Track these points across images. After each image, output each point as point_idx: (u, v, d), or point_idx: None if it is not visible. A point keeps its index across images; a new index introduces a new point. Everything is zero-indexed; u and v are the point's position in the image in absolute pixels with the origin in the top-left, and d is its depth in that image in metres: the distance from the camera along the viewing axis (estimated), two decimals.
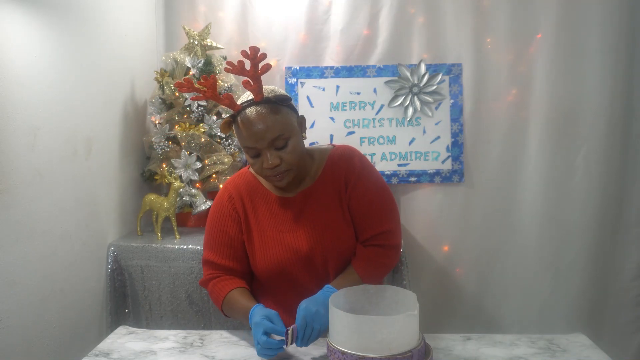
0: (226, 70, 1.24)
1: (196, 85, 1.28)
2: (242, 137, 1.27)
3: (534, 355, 1.21)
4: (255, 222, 1.38)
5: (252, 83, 1.22)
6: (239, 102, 1.28)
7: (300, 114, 1.35)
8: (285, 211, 1.37)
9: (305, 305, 1.18)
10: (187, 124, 2.07)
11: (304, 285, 1.35)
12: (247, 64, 1.20)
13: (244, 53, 1.20)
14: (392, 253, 1.39)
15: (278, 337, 1.17)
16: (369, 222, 1.36)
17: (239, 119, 1.26)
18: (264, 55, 1.20)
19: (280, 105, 1.26)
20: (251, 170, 1.44)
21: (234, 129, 1.30)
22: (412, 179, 2.25)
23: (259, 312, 1.20)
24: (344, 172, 1.37)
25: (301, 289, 1.33)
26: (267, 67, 1.22)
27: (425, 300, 2.14)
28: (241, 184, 1.42)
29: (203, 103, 2.06)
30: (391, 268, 1.42)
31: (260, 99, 1.24)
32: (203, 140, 2.06)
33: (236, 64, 1.20)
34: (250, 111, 1.24)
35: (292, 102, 1.32)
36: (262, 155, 1.26)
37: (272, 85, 2.27)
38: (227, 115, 2.10)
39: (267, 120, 1.23)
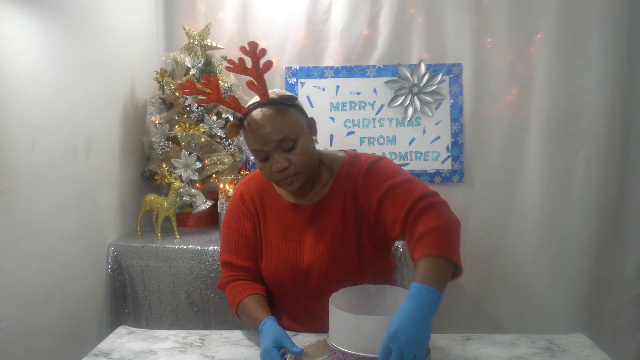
0: (227, 69, 1.22)
1: (199, 87, 1.25)
2: (249, 141, 1.23)
3: (534, 355, 1.21)
4: (264, 225, 1.35)
5: (255, 83, 1.19)
6: (246, 105, 1.25)
7: (309, 116, 1.29)
8: (295, 221, 1.33)
9: (393, 330, 0.97)
10: (187, 124, 2.08)
11: (300, 301, 1.32)
12: (248, 62, 1.17)
13: (242, 49, 1.17)
14: (441, 209, 1.19)
15: None
16: (398, 204, 1.20)
17: (245, 122, 1.23)
18: (264, 51, 1.16)
19: (287, 106, 1.22)
20: None
21: (241, 132, 1.26)
22: None
23: (269, 334, 1.15)
24: (351, 185, 1.28)
25: (301, 303, 1.32)
26: (269, 65, 1.18)
27: None
28: (252, 184, 1.38)
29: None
30: (454, 226, 1.21)
31: (265, 100, 1.21)
32: (203, 140, 2.06)
33: (237, 62, 1.17)
34: (256, 113, 1.21)
35: (300, 103, 1.27)
36: (271, 158, 1.22)
37: (273, 84, 2.29)
38: (229, 115, 2.12)
39: (273, 122, 1.19)
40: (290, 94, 1.26)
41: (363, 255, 1.28)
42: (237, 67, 1.19)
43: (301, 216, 1.32)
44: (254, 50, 1.16)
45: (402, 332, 0.96)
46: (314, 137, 1.28)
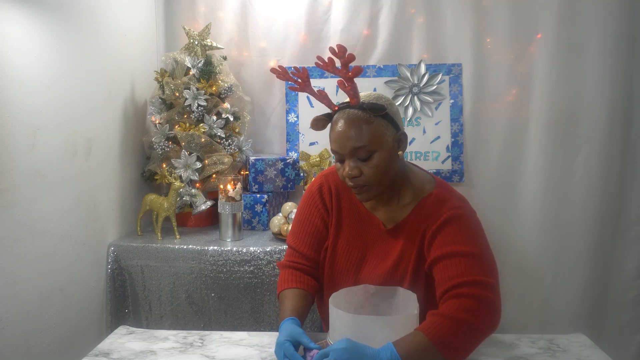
0: (316, 65, 1.21)
1: (290, 75, 1.26)
2: (330, 139, 1.23)
3: (534, 355, 1.21)
4: (336, 223, 1.34)
5: (346, 85, 1.18)
6: (338, 103, 1.24)
7: (400, 130, 1.22)
8: (365, 232, 1.31)
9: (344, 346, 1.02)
10: (187, 124, 2.08)
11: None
12: (338, 64, 1.16)
13: (332, 50, 1.16)
14: (482, 308, 1.09)
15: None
16: (448, 274, 1.14)
17: (332, 120, 1.22)
18: (352, 57, 1.14)
19: (375, 116, 1.18)
20: None
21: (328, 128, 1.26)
22: None
23: (285, 331, 1.15)
24: (426, 226, 1.23)
25: None
26: (358, 70, 1.15)
27: None
28: (336, 179, 1.36)
29: (203, 103, 2.06)
30: (480, 331, 1.09)
31: (355, 103, 1.19)
32: (203, 140, 2.06)
33: (326, 60, 1.17)
34: (342, 115, 1.20)
35: (392, 114, 1.22)
36: (345, 162, 1.21)
37: (273, 85, 2.29)
38: (229, 115, 2.12)
39: (353, 128, 1.17)
40: (382, 103, 1.21)
41: (414, 290, 1.22)
42: (327, 66, 1.18)
43: (373, 230, 1.31)
44: (342, 54, 1.15)
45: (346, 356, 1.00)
46: (399, 152, 1.23)
